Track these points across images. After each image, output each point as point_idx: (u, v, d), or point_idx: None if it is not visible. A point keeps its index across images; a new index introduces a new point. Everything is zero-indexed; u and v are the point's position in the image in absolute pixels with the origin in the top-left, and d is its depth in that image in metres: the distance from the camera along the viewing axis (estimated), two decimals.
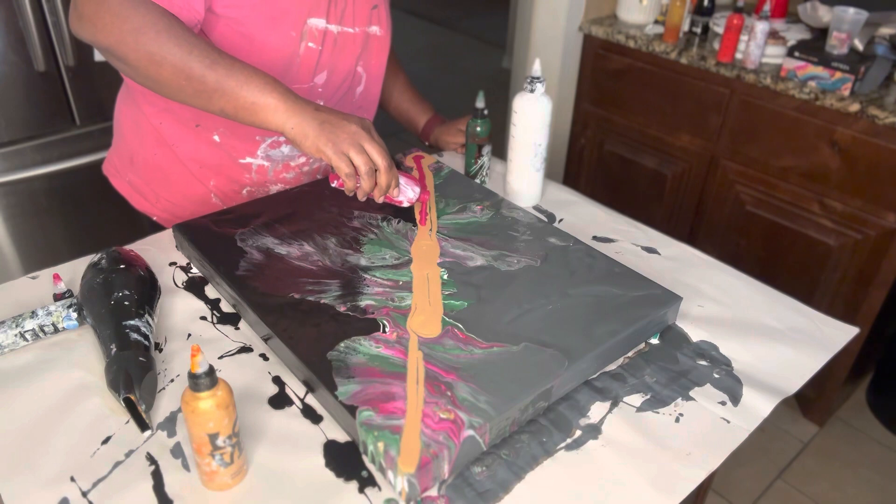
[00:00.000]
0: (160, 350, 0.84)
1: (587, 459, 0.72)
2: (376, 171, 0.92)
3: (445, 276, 0.90)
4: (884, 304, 1.70)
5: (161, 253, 1.01)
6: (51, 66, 1.59)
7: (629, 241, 1.09)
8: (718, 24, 1.89)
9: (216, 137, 1.07)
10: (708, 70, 1.83)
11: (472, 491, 0.68)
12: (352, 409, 0.70)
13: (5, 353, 0.82)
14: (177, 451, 0.71)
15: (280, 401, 0.78)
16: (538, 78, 1.06)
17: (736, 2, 1.74)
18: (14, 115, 1.60)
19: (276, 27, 0.97)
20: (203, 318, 0.89)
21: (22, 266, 1.76)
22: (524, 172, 1.13)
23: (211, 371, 0.62)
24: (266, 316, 0.82)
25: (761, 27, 1.70)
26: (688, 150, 1.97)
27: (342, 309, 0.84)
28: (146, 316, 0.81)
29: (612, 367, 0.84)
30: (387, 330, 0.81)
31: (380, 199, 0.97)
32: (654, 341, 0.88)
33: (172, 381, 0.80)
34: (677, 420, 0.77)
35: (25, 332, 0.82)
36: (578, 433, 0.75)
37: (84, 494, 0.66)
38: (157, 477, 0.68)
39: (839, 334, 0.93)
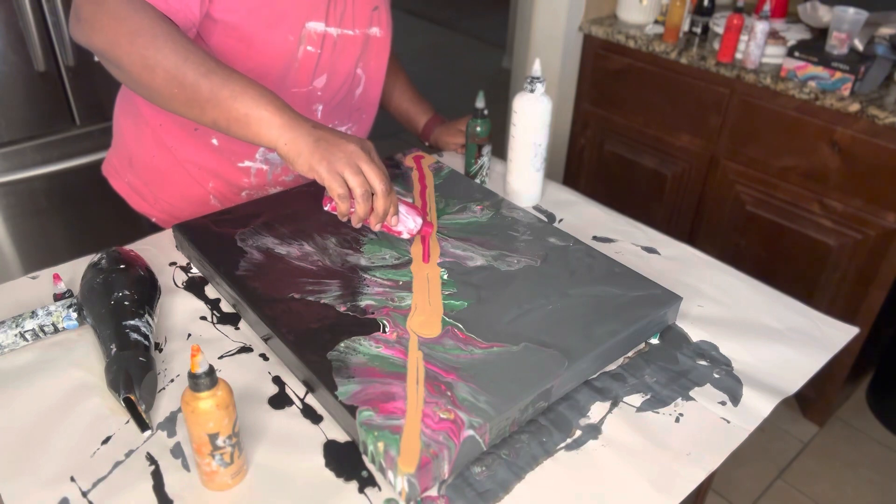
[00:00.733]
0: (160, 350, 0.84)
1: (587, 459, 0.72)
2: (374, 195, 0.85)
3: (445, 276, 0.90)
4: (884, 304, 1.70)
5: (161, 253, 1.01)
6: (51, 66, 1.59)
7: (629, 241, 1.09)
8: (718, 24, 1.89)
9: (215, 141, 1.06)
10: (708, 70, 1.83)
11: (472, 491, 0.68)
12: (352, 409, 0.70)
13: (5, 353, 0.82)
14: (177, 451, 0.71)
15: (280, 401, 0.78)
16: (538, 78, 1.06)
17: (736, 2, 1.74)
18: (14, 115, 1.60)
19: (274, 32, 0.96)
20: (203, 318, 0.89)
21: (22, 266, 1.76)
22: (524, 172, 1.13)
23: (211, 371, 0.62)
24: (266, 316, 0.82)
25: (761, 27, 1.70)
26: (688, 150, 1.97)
27: (342, 309, 0.84)
28: (146, 316, 0.81)
29: (612, 367, 0.84)
30: (387, 330, 0.81)
31: (376, 227, 0.89)
32: (654, 341, 0.88)
33: (172, 381, 0.80)
34: (677, 420, 0.77)
35: (25, 332, 0.82)
36: (578, 433, 0.75)
37: (84, 494, 0.66)
38: (157, 477, 0.68)
39: (839, 334, 0.93)
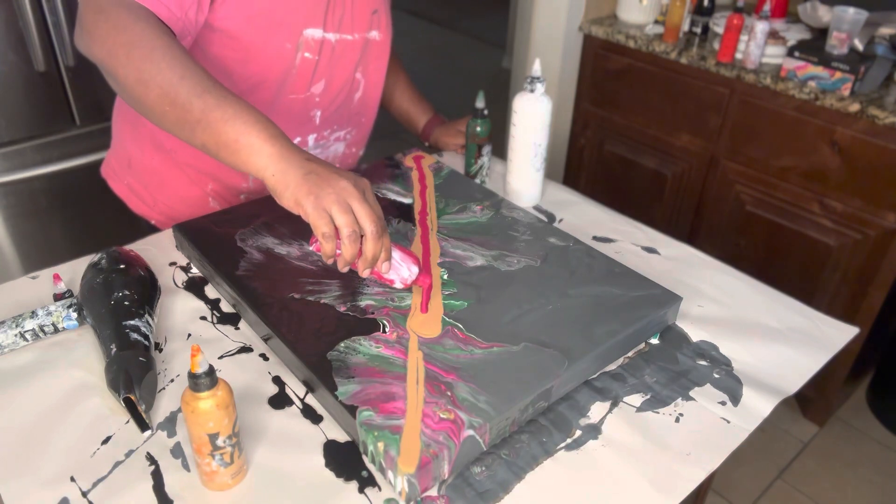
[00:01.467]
0: (160, 350, 0.84)
1: (587, 459, 0.72)
2: (363, 237, 0.77)
3: (445, 276, 0.90)
4: (884, 304, 1.70)
5: (161, 253, 1.01)
6: (51, 66, 1.59)
7: (629, 241, 1.09)
8: (718, 24, 1.89)
9: None
10: (708, 70, 1.83)
11: (472, 491, 0.68)
12: (352, 409, 0.70)
13: (5, 353, 0.82)
14: (177, 451, 0.71)
15: (280, 401, 0.78)
16: (538, 78, 1.06)
17: (736, 2, 1.74)
18: (14, 115, 1.60)
19: (272, 40, 0.95)
20: (203, 318, 0.89)
21: (22, 266, 1.76)
22: (524, 172, 1.13)
23: (211, 371, 0.62)
24: (266, 316, 0.82)
25: (761, 27, 1.70)
26: (688, 150, 1.97)
27: (342, 309, 0.84)
28: (146, 316, 0.81)
29: (612, 367, 0.84)
30: (387, 330, 0.81)
31: (364, 273, 0.80)
32: (655, 341, 0.88)
33: (172, 381, 0.80)
34: (677, 420, 0.77)
35: (25, 332, 0.82)
36: (578, 433, 0.75)
37: (84, 494, 0.66)
38: (157, 477, 0.68)
39: (839, 334, 0.93)
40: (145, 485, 0.67)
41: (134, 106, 0.81)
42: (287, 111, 1.04)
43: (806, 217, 1.77)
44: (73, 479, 0.67)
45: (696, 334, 0.90)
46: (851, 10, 1.62)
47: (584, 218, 1.15)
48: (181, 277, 0.97)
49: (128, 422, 0.74)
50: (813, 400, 1.94)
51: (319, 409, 0.77)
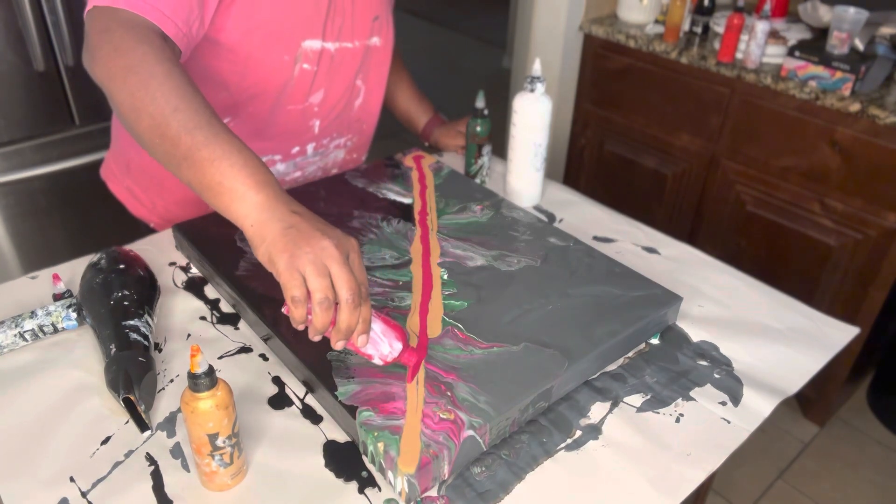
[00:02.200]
0: (160, 350, 0.84)
1: (587, 460, 0.72)
2: (338, 305, 0.68)
3: (445, 276, 0.90)
4: (884, 304, 1.70)
5: (161, 253, 1.01)
6: (50, 66, 1.58)
7: (629, 241, 1.09)
8: (719, 24, 1.89)
9: None
10: (708, 70, 1.83)
11: (472, 491, 0.68)
12: (352, 410, 0.70)
13: (5, 353, 0.82)
14: (176, 452, 0.71)
15: (280, 401, 0.78)
16: (538, 78, 1.06)
17: (736, 1, 1.74)
18: (13, 115, 1.59)
19: (270, 52, 0.94)
20: (203, 318, 0.89)
21: (21, 266, 1.76)
22: (524, 172, 1.13)
23: (211, 371, 0.62)
24: (266, 316, 0.82)
25: (762, 27, 1.70)
26: (688, 149, 1.97)
27: None
28: (146, 316, 0.81)
29: (612, 367, 0.84)
30: None
31: (337, 345, 0.69)
32: (655, 341, 0.88)
33: (172, 381, 0.79)
34: (677, 420, 0.77)
35: (25, 332, 0.82)
36: (578, 433, 0.75)
37: (84, 495, 0.66)
38: (157, 477, 0.68)
39: (839, 334, 0.92)
40: (145, 485, 0.67)
41: (128, 131, 0.77)
42: (285, 121, 1.03)
43: (806, 217, 1.76)
44: (72, 480, 0.67)
45: (696, 334, 0.90)
46: (852, 10, 1.62)
47: (584, 218, 1.15)
48: (181, 277, 0.96)
49: (127, 422, 0.74)
50: (813, 400, 1.94)
51: (319, 410, 0.76)
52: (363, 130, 1.18)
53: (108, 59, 0.74)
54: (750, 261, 1.91)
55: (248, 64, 0.94)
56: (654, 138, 2.04)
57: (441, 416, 0.69)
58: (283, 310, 0.68)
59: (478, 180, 1.20)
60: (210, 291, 0.94)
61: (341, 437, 0.73)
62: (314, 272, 0.65)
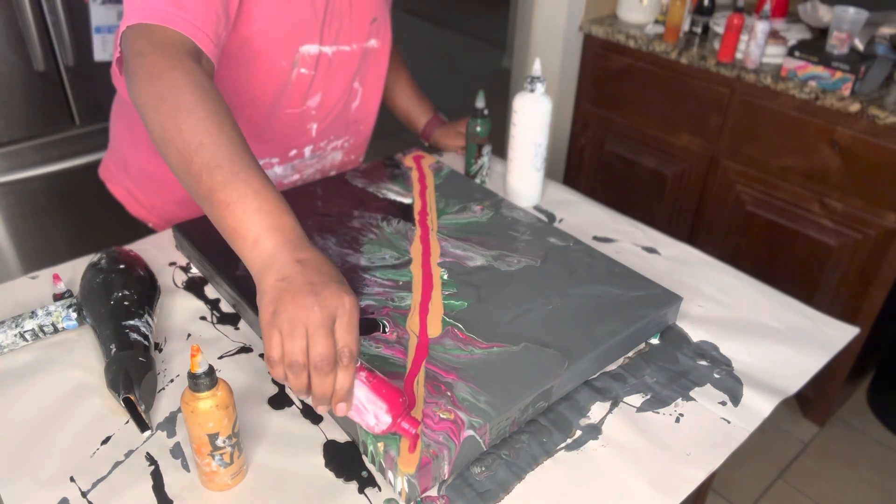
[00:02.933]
0: (160, 350, 0.84)
1: (587, 460, 0.72)
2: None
3: (445, 276, 0.90)
4: (884, 304, 1.70)
5: (161, 253, 1.01)
6: (50, 66, 1.58)
7: (629, 241, 1.09)
8: (718, 24, 1.89)
9: None
10: (708, 70, 1.83)
11: (472, 491, 0.68)
12: None
13: (5, 353, 0.82)
14: (176, 452, 0.71)
15: (280, 401, 0.78)
16: (538, 78, 1.06)
17: (736, 1, 1.74)
18: (14, 115, 1.59)
19: (267, 58, 0.94)
20: (203, 318, 0.89)
21: (22, 266, 1.76)
22: (524, 172, 1.13)
23: (211, 371, 0.62)
24: None
25: (761, 27, 1.70)
26: (688, 150, 1.97)
27: None
28: (146, 316, 0.81)
29: (612, 367, 0.84)
30: (387, 330, 0.81)
31: (318, 410, 0.65)
32: (655, 341, 0.88)
33: (172, 381, 0.80)
34: (677, 420, 0.77)
35: (25, 332, 0.82)
36: (578, 433, 0.75)
37: (84, 494, 0.66)
38: (157, 477, 0.68)
39: (839, 334, 0.92)
40: (145, 485, 0.67)
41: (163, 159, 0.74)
42: (282, 125, 1.03)
43: (806, 217, 1.76)
44: (72, 480, 0.67)
45: (696, 334, 0.90)
46: (852, 10, 1.62)
47: (584, 218, 1.15)
48: (181, 277, 0.96)
49: (127, 422, 0.74)
50: (813, 400, 1.94)
51: None
52: (360, 132, 1.18)
53: (142, 85, 0.72)
54: (750, 261, 1.91)
55: (245, 69, 0.94)
56: (654, 138, 2.04)
57: (441, 416, 0.69)
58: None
59: (478, 180, 1.20)
60: (210, 291, 0.94)
61: (341, 437, 0.73)
62: (287, 333, 0.61)
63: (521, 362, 0.76)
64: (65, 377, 0.79)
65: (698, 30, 1.94)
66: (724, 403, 0.80)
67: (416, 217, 1.03)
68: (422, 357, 0.77)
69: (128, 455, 0.70)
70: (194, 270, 0.98)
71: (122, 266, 0.85)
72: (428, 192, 1.10)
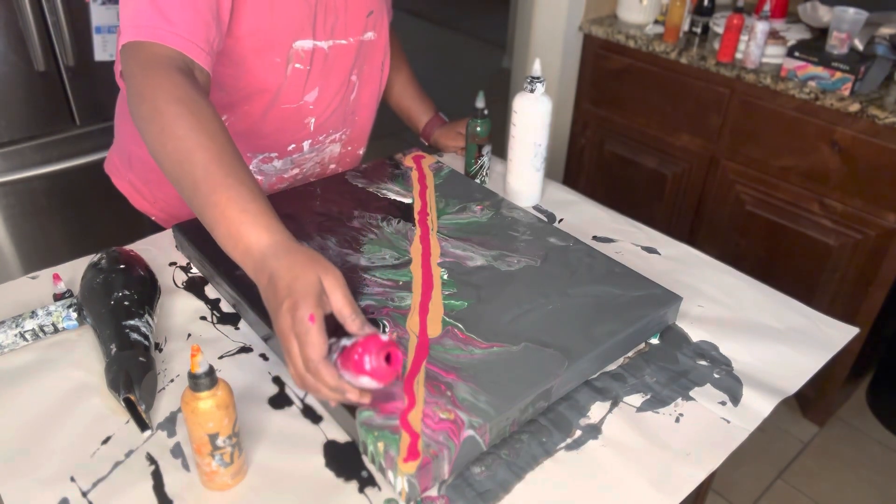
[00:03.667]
0: (160, 350, 0.84)
1: (587, 459, 0.72)
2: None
3: (445, 276, 0.90)
4: (884, 304, 1.70)
5: (161, 253, 1.01)
6: (51, 66, 1.58)
7: (629, 241, 1.09)
8: (718, 24, 1.89)
9: None
10: (708, 70, 1.83)
11: (472, 491, 0.68)
12: (352, 409, 0.70)
13: (5, 353, 0.82)
14: (177, 451, 0.71)
15: (280, 401, 0.78)
16: (538, 78, 1.06)
17: (736, 2, 1.74)
18: (14, 115, 1.59)
19: (260, 56, 0.95)
20: (203, 318, 0.89)
21: (22, 266, 1.76)
22: (524, 172, 1.13)
23: (211, 371, 0.62)
24: (266, 316, 0.82)
25: (761, 27, 1.70)
26: (688, 150, 1.97)
27: None
28: (146, 316, 0.81)
29: (612, 367, 0.84)
30: (387, 330, 0.81)
31: (346, 399, 0.67)
32: (655, 341, 0.88)
33: (172, 381, 0.80)
34: (677, 420, 0.77)
35: (25, 332, 0.82)
36: (578, 433, 0.75)
37: (84, 494, 0.66)
38: (157, 477, 0.68)
39: (839, 334, 0.93)
40: (145, 485, 0.67)
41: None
42: (281, 121, 1.04)
43: (806, 217, 1.76)
44: (72, 479, 0.67)
45: (696, 334, 0.90)
46: (851, 10, 1.62)
47: (584, 218, 1.15)
48: (181, 277, 0.97)
49: (128, 422, 0.74)
50: (813, 400, 1.94)
51: (319, 409, 0.77)
52: (357, 123, 1.17)
53: (132, 107, 0.77)
54: (750, 261, 1.91)
55: (240, 67, 0.95)
56: (653, 138, 2.04)
57: (441, 415, 0.69)
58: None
59: (478, 180, 1.20)
60: (210, 291, 0.94)
61: (341, 436, 0.73)
62: (285, 344, 0.66)
63: (521, 362, 0.76)
64: (65, 377, 0.79)
65: (698, 30, 1.94)
66: (723, 403, 0.80)
67: (416, 217, 1.03)
68: (422, 357, 0.77)
69: (128, 455, 0.70)
70: (194, 270, 0.98)
71: (122, 266, 0.85)
72: (428, 192, 1.10)
